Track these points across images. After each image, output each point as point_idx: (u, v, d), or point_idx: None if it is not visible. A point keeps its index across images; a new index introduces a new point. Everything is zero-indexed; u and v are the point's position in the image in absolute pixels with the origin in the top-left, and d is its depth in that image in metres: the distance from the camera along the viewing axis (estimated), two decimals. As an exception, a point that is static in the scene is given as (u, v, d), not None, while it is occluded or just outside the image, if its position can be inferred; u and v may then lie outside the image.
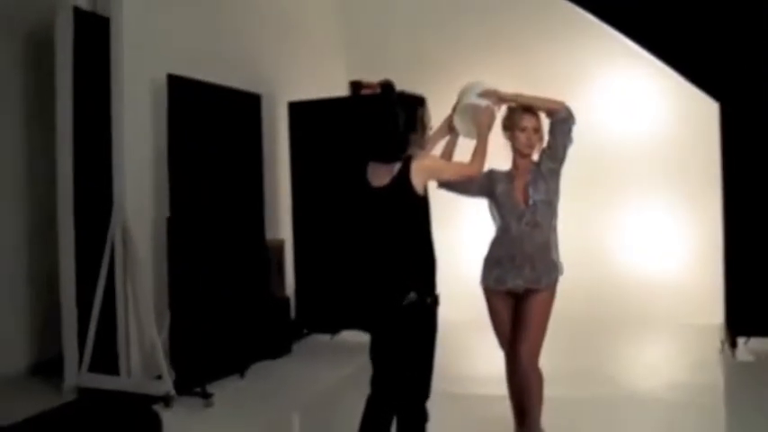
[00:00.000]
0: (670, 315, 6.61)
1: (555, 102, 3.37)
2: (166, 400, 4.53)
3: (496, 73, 4.57)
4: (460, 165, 3.21)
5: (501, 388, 3.63)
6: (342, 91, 7.12)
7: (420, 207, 3.06)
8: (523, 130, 3.38)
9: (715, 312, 5.84)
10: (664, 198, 6.93)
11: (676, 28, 5.19)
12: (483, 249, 3.54)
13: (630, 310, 6.70)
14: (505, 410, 3.65)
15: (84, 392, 4.81)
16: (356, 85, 6.74)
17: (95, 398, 4.70)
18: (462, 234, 6.49)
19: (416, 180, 2.99)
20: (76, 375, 4.86)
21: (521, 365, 3.30)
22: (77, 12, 5.06)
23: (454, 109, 3.45)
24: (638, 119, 6.98)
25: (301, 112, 6.48)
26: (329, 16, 7.95)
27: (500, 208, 3.44)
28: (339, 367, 5.63)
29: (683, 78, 5.45)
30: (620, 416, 4.30)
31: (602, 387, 4.92)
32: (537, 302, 3.33)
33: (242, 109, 5.63)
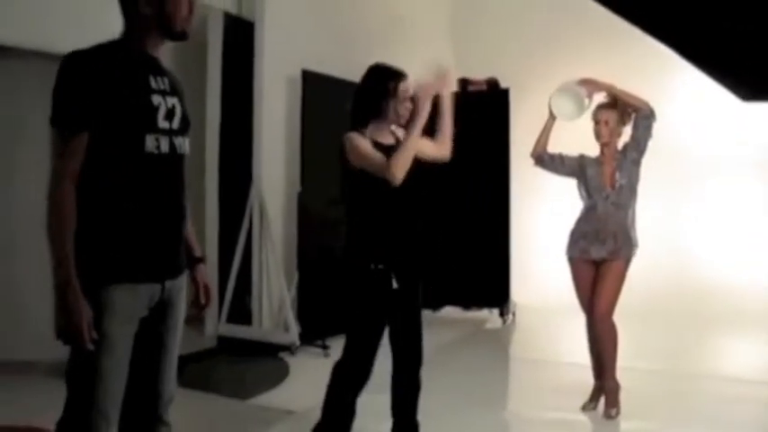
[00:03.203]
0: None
1: (640, 100, 3.88)
2: (291, 349, 5.29)
3: (592, 69, 5.05)
4: (378, 160, 3.02)
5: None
6: (450, 87, 7.68)
7: (355, 179, 3.09)
8: (599, 122, 3.90)
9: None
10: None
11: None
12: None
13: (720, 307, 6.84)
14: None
15: (221, 340, 5.65)
16: (464, 82, 7.29)
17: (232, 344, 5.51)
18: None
19: (350, 155, 3.05)
20: (216, 325, 5.71)
21: (598, 320, 3.84)
22: (226, 16, 5.92)
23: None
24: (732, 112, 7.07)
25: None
26: (440, 18, 8.56)
27: (589, 189, 3.98)
28: (435, 336, 6.24)
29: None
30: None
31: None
32: (614, 270, 3.85)
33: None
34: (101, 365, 2.00)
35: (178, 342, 2.30)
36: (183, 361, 4.24)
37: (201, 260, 2.43)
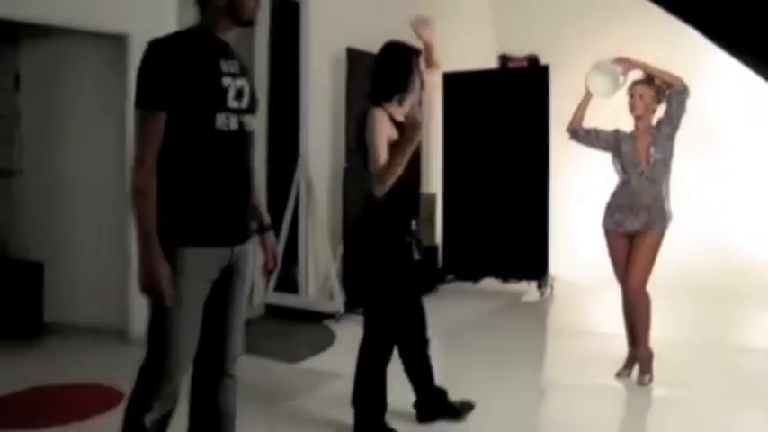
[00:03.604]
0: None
1: (674, 76, 3.98)
2: (336, 317, 5.54)
3: (630, 45, 5.11)
4: (381, 160, 3.03)
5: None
6: (491, 63, 7.80)
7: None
8: (633, 96, 4.02)
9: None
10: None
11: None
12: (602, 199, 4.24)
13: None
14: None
15: (269, 308, 5.93)
16: (504, 59, 7.39)
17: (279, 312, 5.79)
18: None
19: (367, 132, 3.10)
20: (264, 294, 5.99)
21: (632, 291, 3.99)
22: (272, -4, 6.12)
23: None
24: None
25: (454, 82, 7.25)
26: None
27: (624, 163, 4.10)
28: (475, 306, 6.46)
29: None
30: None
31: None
32: (648, 241, 3.98)
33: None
34: (176, 320, 2.26)
35: (244, 304, 2.54)
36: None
37: (270, 228, 2.66)
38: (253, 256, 2.56)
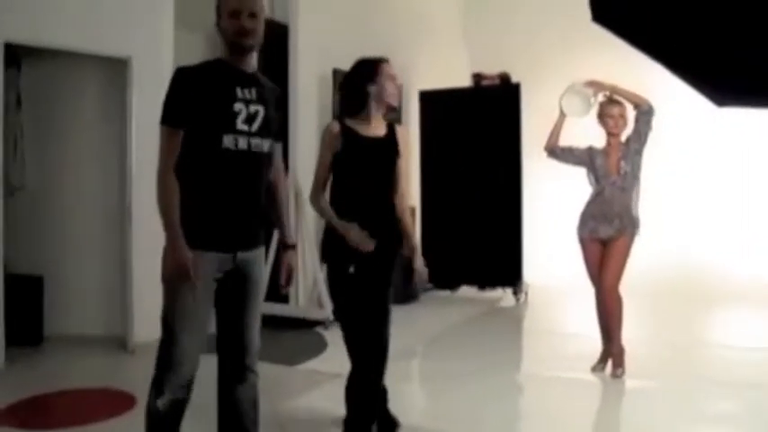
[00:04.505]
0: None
1: (641, 97, 4.38)
2: (326, 324, 5.81)
3: (597, 64, 5.53)
4: (318, 177, 3.22)
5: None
6: (465, 81, 8.19)
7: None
8: (611, 117, 4.41)
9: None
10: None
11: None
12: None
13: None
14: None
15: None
16: (478, 77, 7.77)
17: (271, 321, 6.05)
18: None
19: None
20: (255, 304, 6.23)
21: (606, 292, 4.36)
22: (261, 19, 6.42)
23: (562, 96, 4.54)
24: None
25: (430, 99, 7.63)
26: (454, 17, 9.05)
27: (597, 176, 4.49)
28: (454, 312, 6.81)
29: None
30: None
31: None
32: (620, 246, 4.37)
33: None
34: (180, 311, 2.55)
35: (259, 305, 2.80)
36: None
37: (291, 247, 2.93)
38: (263, 262, 2.83)
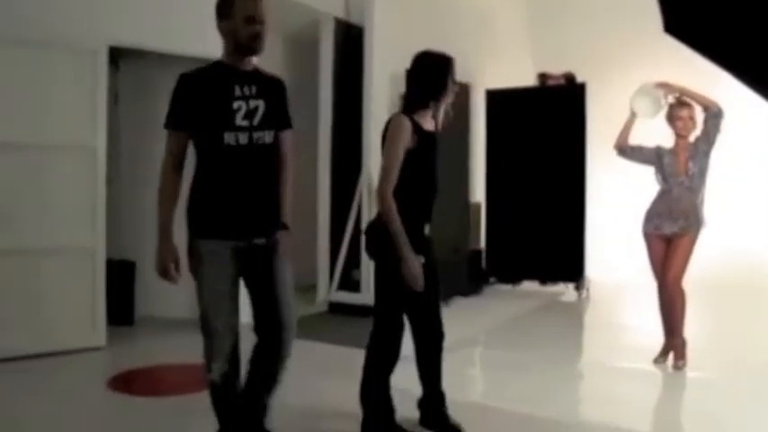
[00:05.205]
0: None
1: (710, 100, 4.52)
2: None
3: (659, 69, 5.66)
4: (392, 174, 3.07)
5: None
6: (529, 81, 8.36)
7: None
8: (680, 119, 4.57)
9: None
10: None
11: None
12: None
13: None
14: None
15: (332, 305, 6.52)
16: (543, 77, 7.94)
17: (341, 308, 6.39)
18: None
19: (387, 139, 3.16)
20: (327, 293, 6.58)
21: (668, 286, 4.53)
22: (336, 21, 6.74)
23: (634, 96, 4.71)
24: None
25: (496, 98, 7.85)
26: (519, 17, 9.23)
27: (665, 175, 4.64)
28: (516, 305, 7.02)
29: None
30: None
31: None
32: (684, 243, 4.53)
33: (458, 95, 7.06)
34: (205, 293, 2.82)
35: (287, 284, 2.93)
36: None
37: (284, 227, 2.98)
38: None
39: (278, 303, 2.91)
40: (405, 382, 3.47)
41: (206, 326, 2.85)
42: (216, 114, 2.76)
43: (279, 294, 2.92)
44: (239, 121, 2.77)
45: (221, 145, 2.76)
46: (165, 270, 2.80)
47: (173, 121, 2.81)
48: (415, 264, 3.05)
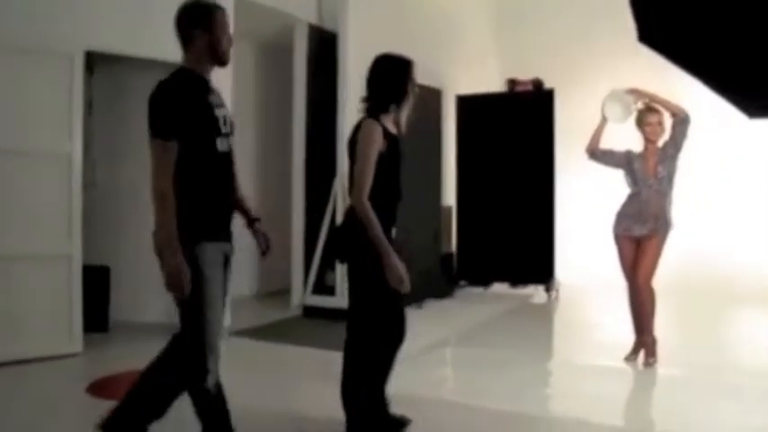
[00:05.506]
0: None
1: (678, 107, 4.68)
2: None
3: (626, 75, 5.83)
4: (366, 176, 3.07)
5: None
6: (497, 87, 8.50)
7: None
8: (649, 124, 4.72)
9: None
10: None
11: None
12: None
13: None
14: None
15: (307, 309, 6.56)
16: (512, 83, 8.09)
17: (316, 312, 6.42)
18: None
19: (359, 143, 3.14)
20: (302, 297, 6.62)
21: (639, 286, 4.68)
22: (310, 27, 6.80)
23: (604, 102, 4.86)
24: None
25: (467, 104, 7.97)
26: (487, 24, 9.37)
27: (635, 178, 4.79)
28: (488, 307, 7.14)
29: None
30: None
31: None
32: (653, 245, 4.69)
33: (428, 100, 7.17)
34: (209, 297, 2.76)
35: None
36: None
37: (259, 219, 3.13)
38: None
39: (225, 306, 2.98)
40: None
41: (207, 339, 2.80)
42: (206, 122, 2.80)
43: (225, 303, 2.99)
44: (222, 127, 2.85)
45: (214, 151, 2.81)
46: (182, 284, 2.66)
47: (167, 131, 2.71)
48: (399, 266, 3.07)
